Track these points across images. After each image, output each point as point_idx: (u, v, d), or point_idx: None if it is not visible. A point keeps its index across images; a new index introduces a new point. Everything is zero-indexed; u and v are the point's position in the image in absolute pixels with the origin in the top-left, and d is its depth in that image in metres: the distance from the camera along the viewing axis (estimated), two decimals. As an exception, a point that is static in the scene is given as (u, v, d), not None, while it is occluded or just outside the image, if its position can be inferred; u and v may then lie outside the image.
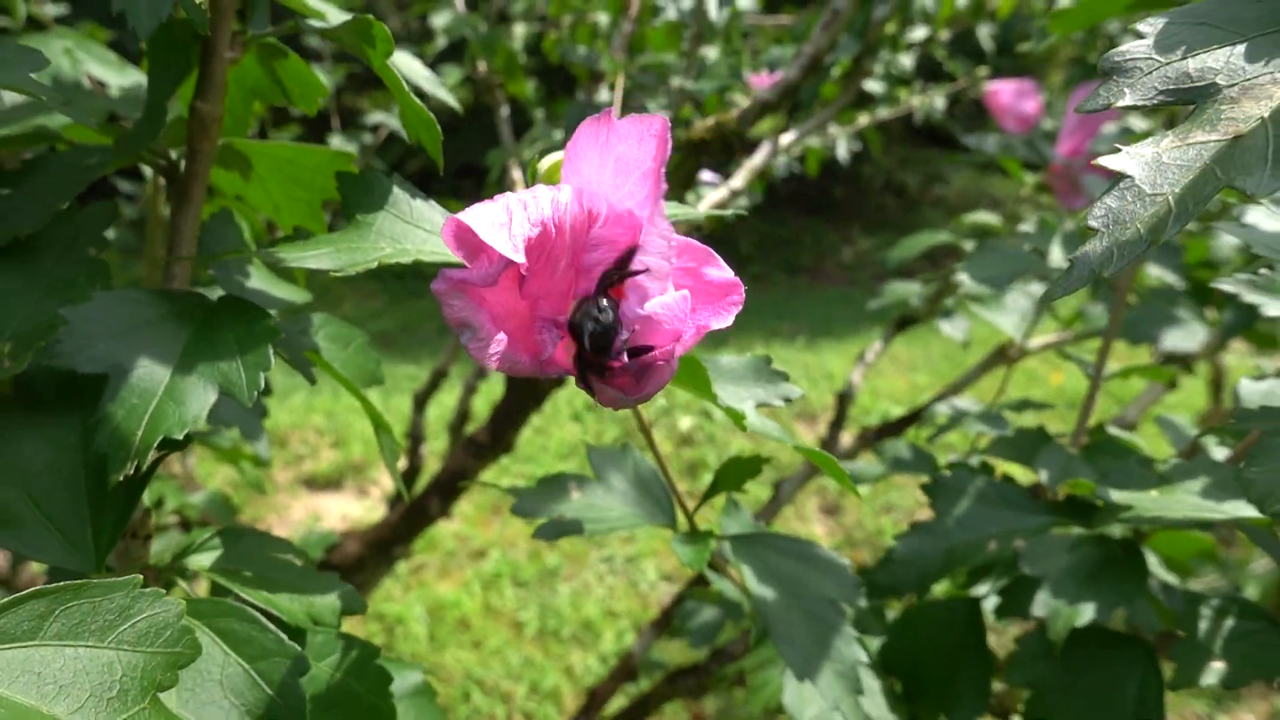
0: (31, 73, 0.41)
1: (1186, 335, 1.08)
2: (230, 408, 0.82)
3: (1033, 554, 0.60)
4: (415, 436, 2.01)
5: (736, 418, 0.46)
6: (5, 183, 0.49)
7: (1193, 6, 0.32)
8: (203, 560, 0.47)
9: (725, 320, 0.37)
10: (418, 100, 0.49)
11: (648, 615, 2.69)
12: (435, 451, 3.10)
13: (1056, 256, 0.83)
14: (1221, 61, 0.29)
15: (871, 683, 0.74)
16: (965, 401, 1.02)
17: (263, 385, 0.43)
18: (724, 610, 1.34)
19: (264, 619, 0.41)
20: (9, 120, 0.54)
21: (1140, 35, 0.32)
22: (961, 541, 0.65)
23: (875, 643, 0.75)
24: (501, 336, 0.35)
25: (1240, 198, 0.43)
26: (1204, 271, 1.27)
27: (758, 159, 1.48)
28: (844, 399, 1.64)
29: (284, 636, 0.41)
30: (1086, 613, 0.56)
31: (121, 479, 0.39)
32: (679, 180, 1.21)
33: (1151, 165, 0.28)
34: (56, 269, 0.46)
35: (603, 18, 1.81)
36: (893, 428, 1.51)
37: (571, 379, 0.41)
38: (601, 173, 0.37)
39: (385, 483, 3.43)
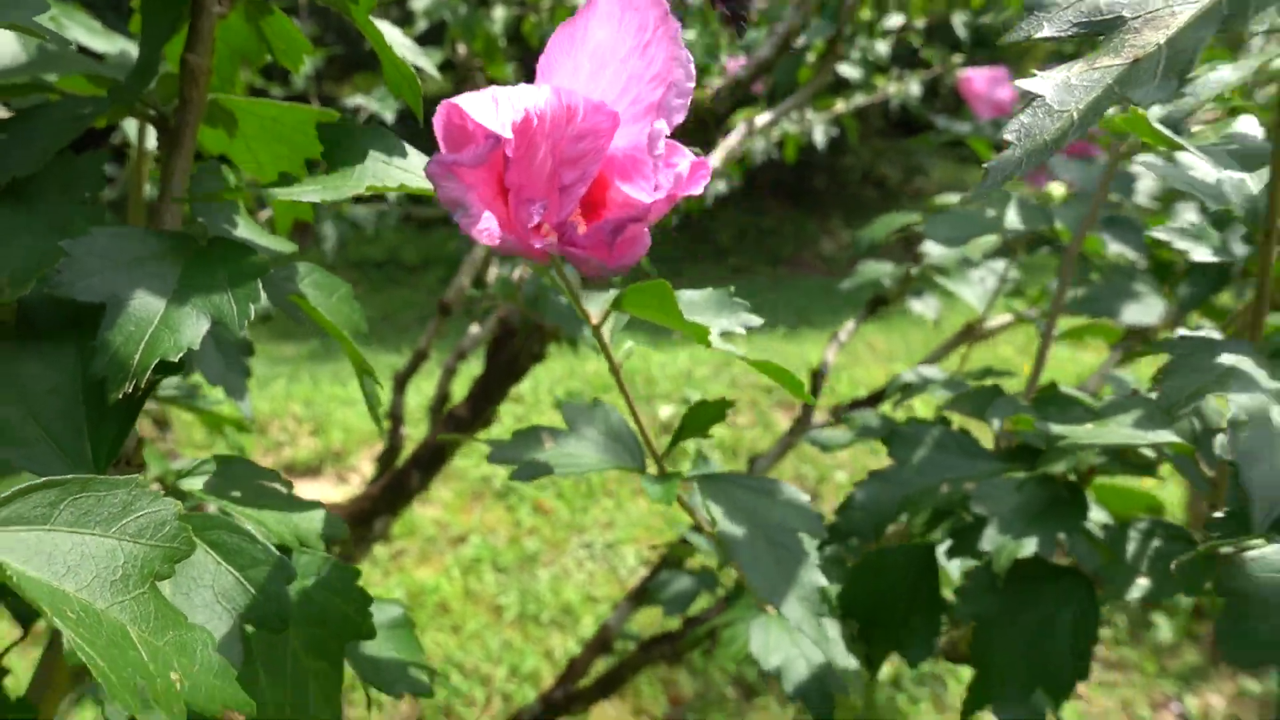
0: (33, 16, 0.43)
1: (1145, 309, 1.12)
2: (214, 367, 0.85)
3: (983, 495, 0.63)
4: (395, 417, 2.03)
5: (700, 333, 0.49)
6: (0, 128, 0.51)
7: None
8: (194, 483, 0.50)
9: (697, 189, 0.41)
10: (399, 56, 0.52)
11: (626, 598, 2.72)
12: (414, 439, 3.12)
13: (1012, 218, 0.88)
14: (1128, -3, 0.33)
15: (831, 627, 0.78)
16: (931, 370, 1.05)
17: (252, 316, 0.45)
18: (698, 580, 1.37)
19: (253, 532, 0.44)
20: (4, 72, 0.56)
21: (1059, -25, 0.35)
22: (918, 487, 0.68)
23: (835, 589, 0.78)
24: (489, 213, 0.38)
25: (1151, 140, 0.47)
26: (1165, 250, 1.32)
27: (733, 139, 1.51)
28: (818, 376, 1.68)
29: (272, 547, 0.44)
30: (1029, 545, 0.59)
31: (120, 398, 0.42)
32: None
33: (1061, 86, 0.32)
34: (55, 210, 0.49)
35: (581, 0, 1.83)
36: (863, 404, 1.55)
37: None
38: (575, 76, 0.41)
39: (364, 470, 3.44)
